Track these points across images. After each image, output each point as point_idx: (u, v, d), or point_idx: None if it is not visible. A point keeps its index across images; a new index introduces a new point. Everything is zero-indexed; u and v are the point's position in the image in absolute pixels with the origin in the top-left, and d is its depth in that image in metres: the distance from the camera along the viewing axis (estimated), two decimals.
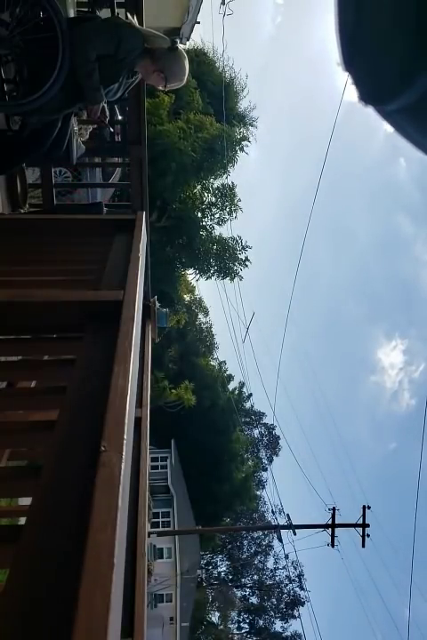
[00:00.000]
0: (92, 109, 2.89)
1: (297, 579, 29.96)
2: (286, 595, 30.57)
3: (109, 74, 2.73)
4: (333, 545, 17.02)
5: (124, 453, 0.95)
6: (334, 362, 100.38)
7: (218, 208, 17.75)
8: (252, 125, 21.57)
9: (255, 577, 32.24)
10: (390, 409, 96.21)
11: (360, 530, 16.46)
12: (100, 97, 2.75)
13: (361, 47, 0.43)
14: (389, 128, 0.45)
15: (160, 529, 24.10)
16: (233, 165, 17.70)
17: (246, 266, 17.98)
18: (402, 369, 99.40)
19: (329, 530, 17.07)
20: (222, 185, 17.72)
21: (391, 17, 0.39)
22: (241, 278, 18.20)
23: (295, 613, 28.72)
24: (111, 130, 3.64)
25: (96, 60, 2.63)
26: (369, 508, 16.52)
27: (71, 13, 3.23)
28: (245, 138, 18.36)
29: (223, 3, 17.71)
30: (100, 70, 2.65)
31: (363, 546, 16.40)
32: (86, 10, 3.59)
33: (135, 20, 2.86)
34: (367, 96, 0.44)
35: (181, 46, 2.87)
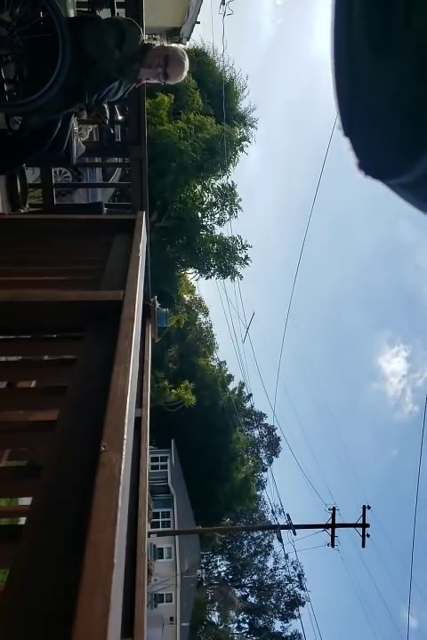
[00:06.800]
0: (140, 79, 2.85)
1: (297, 579, 30.01)
2: (285, 595, 30.60)
3: (111, 71, 2.73)
4: (333, 545, 17.03)
5: (124, 453, 0.95)
6: (335, 364, 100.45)
7: (218, 208, 17.77)
8: (252, 126, 21.57)
9: (255, 577, 32.28)
10: (390, 412, 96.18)
11: (360, 530, 16.47)
12: (136, 68, 2.76)
13: (359, 122, 0.42)
14: None
15: (160, 529, 24.10)
16: (233, 165, 17.73)
17: (246, 265, 18.03)
18: (405, 376, 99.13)
19: (329, 530, 17.07)
20: (223, 185, 17.73)
21: (389, 97, 0.38)
22: (241, 277, 18.25)
23: (295, 613, 28.78)
24: (112, 131, 3.64)
25: (114, 48, 2.65)
26: (369, 507, 16.55)
27: (71, 13, 3.23)
28: (245, 138, 18.40)
29: (223, 3, 17.73)
30: (101, 69, 2.66)
31: (363, 546, 16.41)
32: (86, 10, 3.60)
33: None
34: (366, 169, 0.43)
35: (181, 46, 2.88)
